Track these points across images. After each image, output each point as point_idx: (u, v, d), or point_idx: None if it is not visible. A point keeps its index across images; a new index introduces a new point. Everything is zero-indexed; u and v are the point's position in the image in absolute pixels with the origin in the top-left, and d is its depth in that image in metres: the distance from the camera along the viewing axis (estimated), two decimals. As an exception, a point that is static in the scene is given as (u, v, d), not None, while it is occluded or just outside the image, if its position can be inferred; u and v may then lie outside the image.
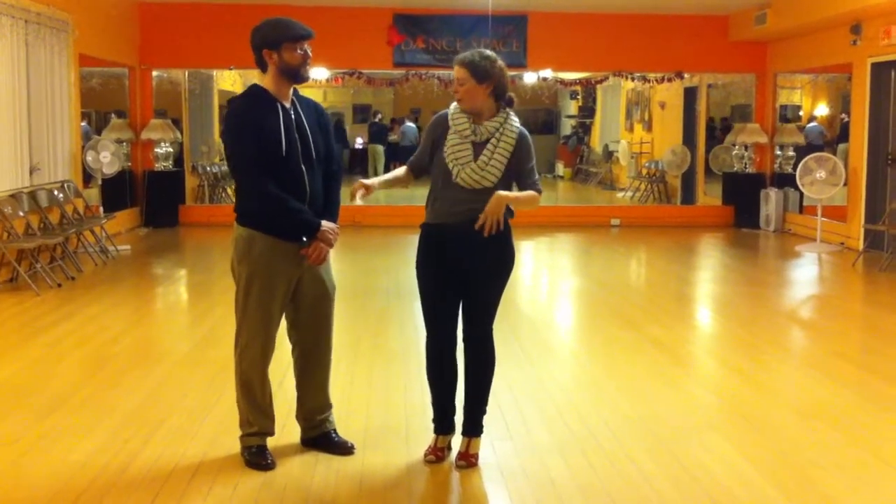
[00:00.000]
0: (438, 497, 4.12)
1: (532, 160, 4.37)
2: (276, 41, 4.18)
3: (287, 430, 4.64)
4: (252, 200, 4.19)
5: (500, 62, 4.35)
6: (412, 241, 4.55)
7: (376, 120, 23.26)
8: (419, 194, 5.03)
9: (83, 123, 13.63)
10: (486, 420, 4.49)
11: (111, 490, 4.06)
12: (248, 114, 4.15)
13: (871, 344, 7.48)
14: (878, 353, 7.03)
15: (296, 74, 4.21)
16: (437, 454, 4.40)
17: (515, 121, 4.39)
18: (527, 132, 4.42)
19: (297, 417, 4.58)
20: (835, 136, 17.82)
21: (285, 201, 4.12)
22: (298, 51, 4.18)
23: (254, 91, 4.25)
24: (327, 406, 4.55)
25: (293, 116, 4.24)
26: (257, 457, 4.32)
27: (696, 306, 9.17)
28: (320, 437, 4.51)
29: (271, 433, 4.44)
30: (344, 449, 4.47)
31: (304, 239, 4.22)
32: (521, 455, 4.53)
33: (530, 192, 4.31)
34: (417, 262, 4.39)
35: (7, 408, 5.28)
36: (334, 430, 4.54)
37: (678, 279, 10.74)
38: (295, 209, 4.16)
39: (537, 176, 4.43)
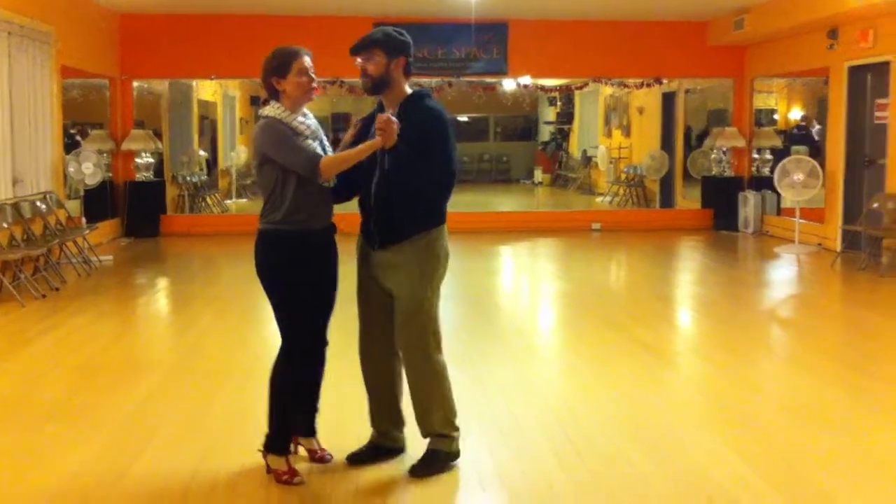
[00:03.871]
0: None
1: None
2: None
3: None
4: None
5: None
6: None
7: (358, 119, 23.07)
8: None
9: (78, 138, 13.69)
10: (482, 423, 4.52)
11: (108, 500, 4.07)
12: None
13: (852, 341, 7.59)
14: (860, 351, 7.13)
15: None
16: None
17: None
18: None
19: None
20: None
21: None
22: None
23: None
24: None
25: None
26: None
27: (680, 307, 9.25)
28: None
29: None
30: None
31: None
32: (517, 458, 4.56)
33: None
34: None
35: (-2, 419, 5.29)
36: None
37: (661, 281, 10.84)
38: None
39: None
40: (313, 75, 4.23)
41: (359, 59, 4.22)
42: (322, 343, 4.42)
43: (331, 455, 4.48)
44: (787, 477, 4.32)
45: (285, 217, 4.15)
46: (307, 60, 4.21)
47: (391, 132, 3.98)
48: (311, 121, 4.32)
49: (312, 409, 4.52)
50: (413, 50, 4.31)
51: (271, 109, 4.19)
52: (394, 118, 4.02)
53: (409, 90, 4.29)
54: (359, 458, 4.43)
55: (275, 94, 4.23)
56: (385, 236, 4.23)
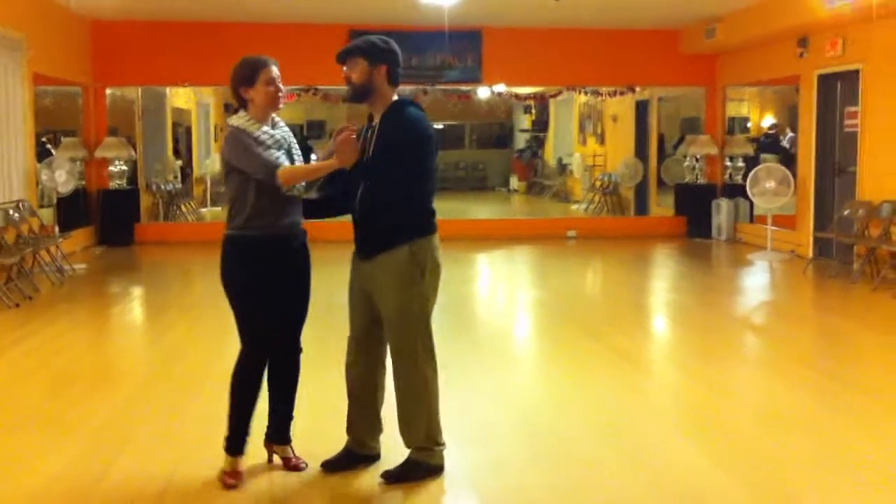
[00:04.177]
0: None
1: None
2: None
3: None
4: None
5: None
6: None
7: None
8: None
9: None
10: (456, 429, 4.54)
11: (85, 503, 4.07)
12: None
13: (824, 348, 7.68)
14: (832, 357, 7.22)
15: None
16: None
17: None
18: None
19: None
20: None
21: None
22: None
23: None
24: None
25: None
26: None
27: (655, 315, 9.32)
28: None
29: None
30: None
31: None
32: (490, 463, 4.58)
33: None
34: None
35: (-29, 428, 5.25)
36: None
37: (636, 288, 10.91)
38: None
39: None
40: (280, 85, 4.29)
41: (344, 68, 4.24)
42: (293, 349, 4.46)
43: (306, 463, 4.48)
44: (759, 481, 4.37)
45: (246, 222, 4.22)
46: (274, 70, 4.27)
47: (347, 153, 4.01)
48: (281, 130, 4.36)
49: (286, 417, 4.53)
50: (400, 59, 4.31)
51: (236, 119, 4.26)
52: (355, 137, 4.04)
53: (395, 98, 4.30)
54: (334, 466, 4.43)
55: (243, 103, 4.29)
56: (369, 247, 4.26)
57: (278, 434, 4.52)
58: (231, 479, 4.27)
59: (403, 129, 4.18)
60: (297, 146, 4.42)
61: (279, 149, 4.25)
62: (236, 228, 4.24)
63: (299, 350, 4.48)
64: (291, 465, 4.47)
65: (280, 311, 4.33)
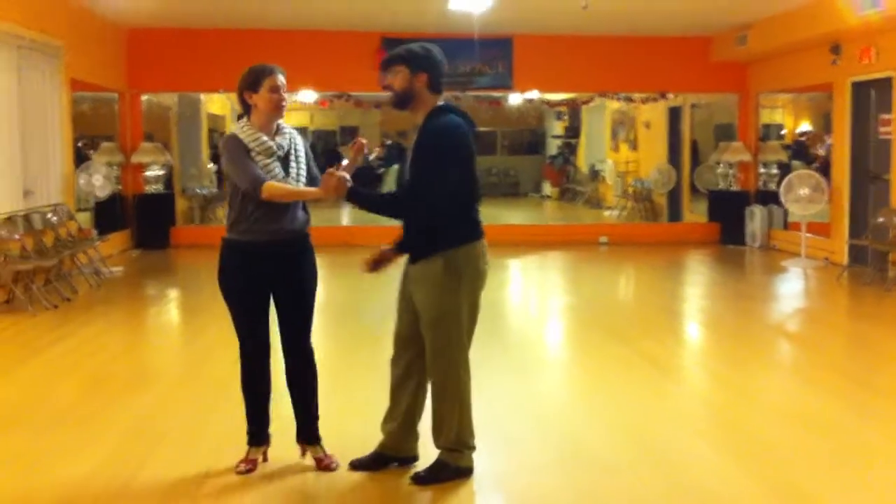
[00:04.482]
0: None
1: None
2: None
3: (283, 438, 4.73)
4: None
5: None
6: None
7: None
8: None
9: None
10: (485, 433, 4.58)
11: (116, 502, 4.15)
12: None
13: (856, 355, 7.63)
14: (864, 364, 7.17)
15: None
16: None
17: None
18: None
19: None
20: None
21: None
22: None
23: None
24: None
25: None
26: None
27: (686, 321, 9.30)
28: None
29: None
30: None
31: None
32: (516, 468, 4.61)
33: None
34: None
35: (7, 425, 5.36)
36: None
37: (667, 295, 10.88)
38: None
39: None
40: (284, 94, 4.42)
41: (387, 76, 4.32)
42: (296, 351, 4.56)
43: (338, 463, 4.54)
44: (782, 485, 4.37)
45: (236, 227, 4.40)
46: (280, 79, 4.40)
47: (332, 188, 4.17)
48: (287, 139, 4.46)
49: (308, 417, 4.61)
50: (442, 67, 4.37)
51: (237, 126, 4.43)
52: (346, 178, 4.16)
53: (439, 105, 4.35)
54: (361, 465, 4.50)
55: (247, 109, 4.43)
56: (412, 252, 4.33)
57: (304, 434, 4.62)
58: (243, 464, 4.49)
59: (432, 136, 4.23)
60: (302, 152, 4.51)
61: (270, 157, 4.35)
62: (229, 232, 4.43)
63: (306, 352, 4.58)
64: (323, 465, 4.54)
65: (266, 314, 4.50)
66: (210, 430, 5.18)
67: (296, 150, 4.47)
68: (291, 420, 4.67)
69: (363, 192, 4.27)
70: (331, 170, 4.18)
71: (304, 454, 4.62)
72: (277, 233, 4.40)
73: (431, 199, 4.18)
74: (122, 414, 5.54)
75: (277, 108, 4.39)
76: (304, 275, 4.52)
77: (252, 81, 4.37)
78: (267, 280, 4.44)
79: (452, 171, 4.20)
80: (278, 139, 4.41)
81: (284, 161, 4.40)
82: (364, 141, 4.44)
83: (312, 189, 4.37)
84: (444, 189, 4.17)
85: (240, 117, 4.50)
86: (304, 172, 4.46)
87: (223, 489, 4.29)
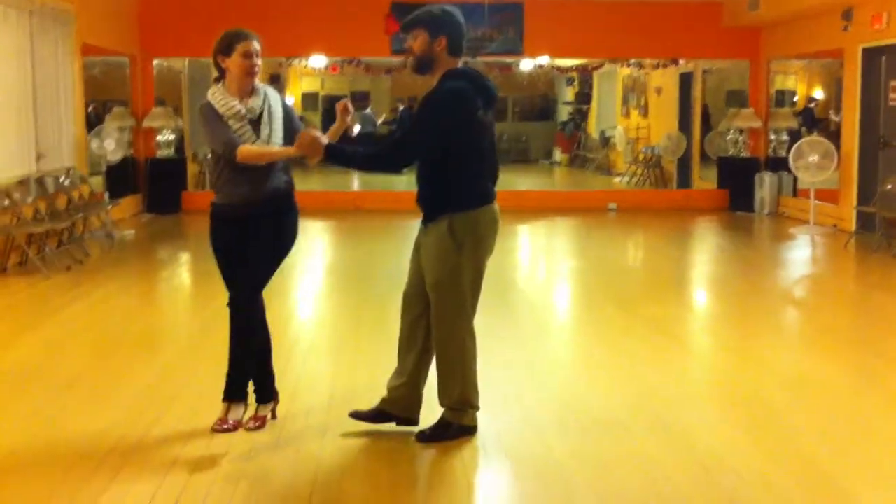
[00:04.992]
0: (443, 470, 4.26)
1: None
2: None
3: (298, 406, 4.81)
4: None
5: None
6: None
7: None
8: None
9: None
10: (489, 395, 4.66)
11: (131, 455, 4.27)
12: None
13: (861, 321, 7.69)
14: (868, 330, 7.23)
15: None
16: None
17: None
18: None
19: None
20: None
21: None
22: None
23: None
24: None
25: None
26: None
27: (692, 287, 9.36)
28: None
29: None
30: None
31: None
32: (520, 431, 4.67)
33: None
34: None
35: (24, 384, 5.48)
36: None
37: (675, 261, 10.94)
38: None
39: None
40: (257, 60, 4.49)
41: (408, 38, 4.37)
42: (233, 303, 4.69)
43: (261, 425, 4.63)
44: (788, 453, 4.40)
45: (217, 191, 4.61)
46: (255, 45, 4.49)
47: (307, 147, 4.25)
48: (260, 100, 4.51)
49: (244, 375, 4.73)
50: (463, 29, 4.42)
51: (210, 92, 4.53)
52: (322, 138, 4.23)
53: (453, 68, 4.38)
54: (361, 417, 4.59)
55: (222, 73, 4.54)
56: (424, 214, 4.42)
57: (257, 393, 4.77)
58: (218, 422, 4.58)
59: (431, 97, 4.29)
60: (279, 112, 4.56)
61: (240, 121, 4.44)
62: (215, 197, 4.62)
63: (243, 307, 4.69)
64: (250, 426, 4.62)
65: (241, 272, 4.64)
66: (221, 392, 5.26)
67: (270, 111, 4.52)
68: (300, 381, 4.76)
69: (341, 148, 4.32)
70: (305, 130, 4.29)
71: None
72: (255, 194, 4.49)
73: (443, 164, 4.24)
74: (135, 375, 5.65)
75: (249, 74, 4.47)
76: (277, 234, 4.58)
77: (226, 46, 4.47)
78: (238, 242, 4.57)
79: (457, 137, 4.23)
80: (251, 102, 4.48)
81: (256, 123, 4.48)
82: (347, 102, 4.51)
83: (286, 148, 4.45)
84: (422, 147, 4.26)
85: (215, 80, 4.59)
86: (279, 133, 4.52)
87: (232, 448, 4.38)
